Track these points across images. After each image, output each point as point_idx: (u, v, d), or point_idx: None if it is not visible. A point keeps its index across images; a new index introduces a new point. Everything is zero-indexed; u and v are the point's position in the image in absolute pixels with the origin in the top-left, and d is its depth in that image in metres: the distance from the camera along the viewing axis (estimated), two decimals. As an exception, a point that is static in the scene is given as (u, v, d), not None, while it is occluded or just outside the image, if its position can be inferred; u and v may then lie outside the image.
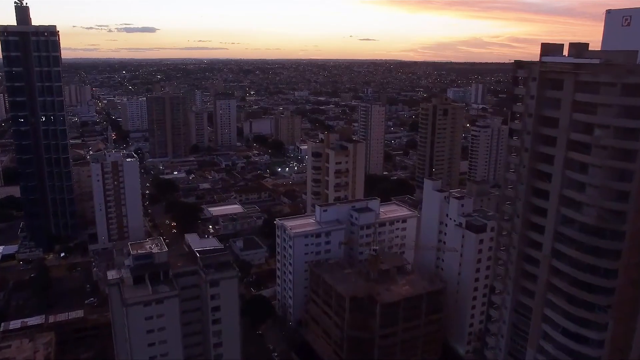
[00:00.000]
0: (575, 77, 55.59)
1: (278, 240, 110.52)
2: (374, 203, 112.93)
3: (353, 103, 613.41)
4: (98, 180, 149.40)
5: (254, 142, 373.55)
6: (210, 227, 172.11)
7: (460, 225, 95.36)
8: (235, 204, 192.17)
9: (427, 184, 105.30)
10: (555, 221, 59.99)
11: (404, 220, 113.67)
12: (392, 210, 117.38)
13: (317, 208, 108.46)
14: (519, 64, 63.92)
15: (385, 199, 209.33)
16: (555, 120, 59.36)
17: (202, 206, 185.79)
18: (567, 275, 59.02)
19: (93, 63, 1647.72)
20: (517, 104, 66.09)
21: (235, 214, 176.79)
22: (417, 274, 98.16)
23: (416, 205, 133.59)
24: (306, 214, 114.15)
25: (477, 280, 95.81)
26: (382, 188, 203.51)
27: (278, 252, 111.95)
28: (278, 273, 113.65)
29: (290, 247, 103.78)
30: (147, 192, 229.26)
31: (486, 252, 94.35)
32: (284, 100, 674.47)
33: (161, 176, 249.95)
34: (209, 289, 73.62)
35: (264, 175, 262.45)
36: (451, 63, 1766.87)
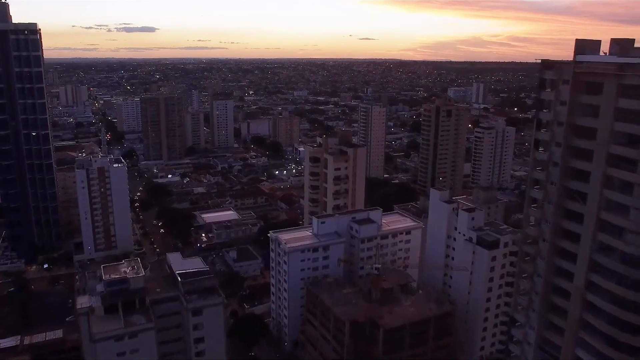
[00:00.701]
0: (618, 79, 46.71)
1: (272, 255, 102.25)
2: (375, 213, 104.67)
3: (353, 103, 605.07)
4: (83, 188, 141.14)
5: (251, 143, 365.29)
6: (203, 235, 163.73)
7: (470, 240, 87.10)
8: (230, 210, 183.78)
9: (434, 194, 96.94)
10: (590, 248, 51.38)
11: (408, 232, 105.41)
12: (395, 221, 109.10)
13: (314, 220, 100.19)
14: (547, 64, 55.32)
15: (386, 205, 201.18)
16: (591, 131, 50.49)
17: (195, 213, 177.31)
18: (604, 312, 50.62)
19: (92, 63, 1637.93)
20: (544, 110, 57.50)
21: (229, 221, 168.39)
22: (423, 293, 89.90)
23: (420, 214, 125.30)
24: (302, 226, 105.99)
25: (488, 300, 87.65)
26: (383, 193, 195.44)
27: (272, 267, 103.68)
28: (272, 289, 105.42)
29: (284, 262, 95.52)
30: (138, 195, 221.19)
31: (499, 270, 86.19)
32: (282, 100, 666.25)
33: (154, 180, 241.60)
34: (191, 318, 65.49)
35: (260, 178, 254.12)
36: (451, 62, 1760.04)
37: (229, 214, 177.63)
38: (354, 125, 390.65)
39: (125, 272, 66.54)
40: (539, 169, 58.06)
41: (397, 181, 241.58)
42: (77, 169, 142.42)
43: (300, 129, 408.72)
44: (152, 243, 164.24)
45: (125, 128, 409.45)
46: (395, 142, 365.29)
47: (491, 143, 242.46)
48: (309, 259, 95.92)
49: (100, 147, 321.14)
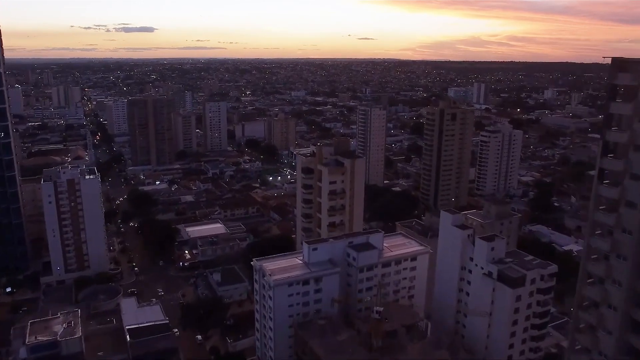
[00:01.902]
0: None
1: (256, 286, 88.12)
2: (376, 237, 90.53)
3: (351, 103, 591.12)
4: (50, 202, 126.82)
5: (246, 146, 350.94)
6: (187, 252, 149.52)
7: (489, 275, 73.14)
8: (218, 222, 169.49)
9: (445, 217, 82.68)
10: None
11: (414, 258, 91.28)
12: (399, 245, 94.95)
13: (305, 247, 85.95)
14: (620, 65, 40.91)
15: (386, 216, 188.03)
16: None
17: (179, 226, 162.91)
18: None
19: (88, 63, 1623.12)
20: (614, 129, 43.30)
21: (215, 236, 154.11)
22: (432, 338, 75.87)
23: (426, 232, 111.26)
24: (291, 252, 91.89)
25: (511, 346, 73.61)
26: (383, 203, 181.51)
27: (256, 300, 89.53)
28: (257, 325, 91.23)
29: (269, 297, 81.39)
30: (119, 203, 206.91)
31: (524, 311, 72.20)
32: (280, 100, 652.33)
33: (140, 187, 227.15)
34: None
35: (253, 185, 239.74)
36: (450, 62, 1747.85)
37: (216, 228, 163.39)
38: (352, 126, 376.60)
39: (57, 331, 52.61)
40: (603, 209, 44.01)
41: (398, 188, 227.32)
42: (44, 181, 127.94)
43: (297, 131, 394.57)
44: (131, 261, 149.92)
45: (116, 130, 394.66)
46: (395, 144, 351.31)
47: (497, 147, 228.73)
48: (298, 293, 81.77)
49: (86, 151, 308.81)
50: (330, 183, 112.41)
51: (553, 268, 74.24)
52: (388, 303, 79.23)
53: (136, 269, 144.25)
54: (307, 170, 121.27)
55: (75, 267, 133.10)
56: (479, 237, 75.89)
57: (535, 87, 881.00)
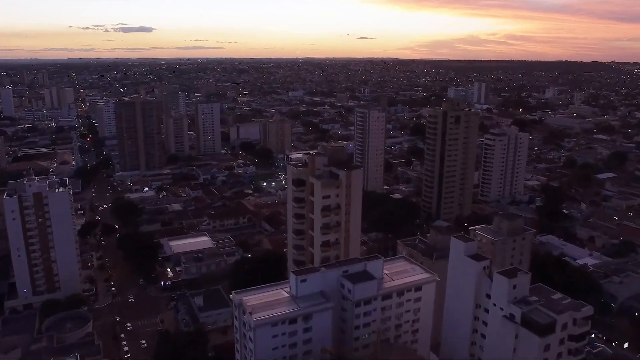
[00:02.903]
0: None
1: (236, 323, 76.10)
2: (375, 265, 78.52)
3: (349, 104, 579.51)
4: (14, 219, 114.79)
5: (240, 149, 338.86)
6: (169, 270, 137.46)
7: (511, 318, 61.31)
8: (204, 235, 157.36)
9: (456, 245, 70.65)
10: None
11: (419, 288, 79.33)
12: (401, 271, 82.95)
13: (293, 278, 73.94)
14: None
15: (386, 226, 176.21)
16: None
17: (162, 240, 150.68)
18: None
19: (86, 63, 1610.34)
20: None
21: (201, 252, 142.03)
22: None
23: (431, 253, 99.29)
24: (276, 284, 79.72)
25: (537, 403, 61.79)
26: (382, 212, 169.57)
27: (236, 339, 77.52)
28: (238, 366, 79.17)
29: (250, 339, 69.42)
30: (101, 210, 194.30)
31: (554, 362, 60.31)
32: (277, 101, 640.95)
33: (126, 195, 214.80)
34: None
35: (246, 192, 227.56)
36: (448, 61, 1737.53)
37: (202, 241, 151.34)
38: (350, 127, 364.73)
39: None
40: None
41: (398, 194, 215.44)
42: (7, 195, 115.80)
43: (293, 132, 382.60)
44: (109, 279, 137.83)
45: (107, 133, 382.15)
46: (394, 147, 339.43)
47: (503, 150, 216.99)
48: (284, 334, 69.83)
49: (72, 156, 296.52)
50: (324, 198, 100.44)
51: (588, 310, 62.54)
52: (389, 349, 67.28)
53: (113, 288, 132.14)
54: (299, 182, 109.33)
55: (44, 289, 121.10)
56: (498, 273, 63.80)
57: (536, 86, 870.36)
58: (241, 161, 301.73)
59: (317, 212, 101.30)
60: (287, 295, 74.41)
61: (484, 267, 66.73)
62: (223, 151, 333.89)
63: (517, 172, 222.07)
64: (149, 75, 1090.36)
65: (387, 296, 76.58)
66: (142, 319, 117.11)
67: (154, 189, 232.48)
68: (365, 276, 75.83)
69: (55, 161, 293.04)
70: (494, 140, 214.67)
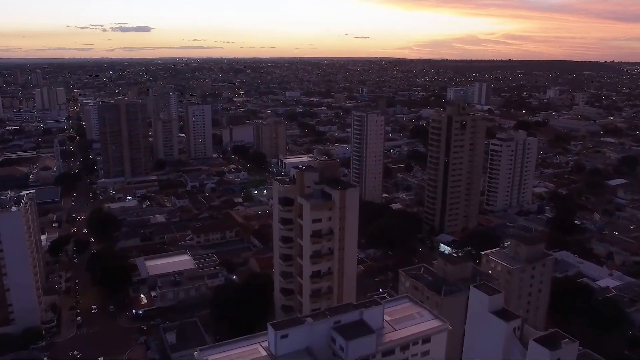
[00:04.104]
0: None
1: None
2: (373, 312, 63.84)
3: (347, 104, 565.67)
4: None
5: (233, 153, 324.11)
6: (143, 296, 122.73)
7: (552, 400, 47.22)
8: (186, 253, 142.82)
9: (477, 297, 56.09)
10: None
11: (427, 339, 64.84)
12: (405, 317, 68.34)
13: (271, 333, 59.34)
14: None
15: (385, 241, 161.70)
16: None
17: (138, 260, 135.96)
18: None
19: (82, 63, 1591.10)
20: None
21: (180, 273, 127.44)
22: None
23: (439, 287, 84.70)
24: (252, 336, 65.43)
25: None
26: (381, 225, 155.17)
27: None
28: None
29: (217, 414, 54.99)
30: (79, 220, 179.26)
31: None
32: (273, 101, 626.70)
33: (106, 205, 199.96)
34: None
35: (235, 200, 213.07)
36: (447, 60, 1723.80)
37: (182, 261, 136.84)
38: (348, 129, 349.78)
39: None
40: None
41: (398, 204, 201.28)
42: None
43: (289, 134, 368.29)
44: (75, 307, 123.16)
45: (95, 136, 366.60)
46: (394, 150, 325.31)
47: (510, 157, 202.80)
48: (259, 406, 55.29)
49: (59, 160, 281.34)
50: (314, 221, 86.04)
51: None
52: None
53: (79, 318, 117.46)
54: (286, 201, 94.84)
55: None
56: (536, 341, 49.27)
57: (536, 86, 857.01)
58: (233, 166, 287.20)
59: (306, 238, 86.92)
60: (264, 354, 59.80)
61: (515, 329, 52.51)
62: (215, 155, 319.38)
63: (525, 180, 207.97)
64: (145, 75, 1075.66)
65: (388, 352, 62.09)
66: (108, 356, 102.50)
67: (138, 197, 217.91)
68: (362, 329, 61.25)
69: (37, 166, 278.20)
70: (501, 145, 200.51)
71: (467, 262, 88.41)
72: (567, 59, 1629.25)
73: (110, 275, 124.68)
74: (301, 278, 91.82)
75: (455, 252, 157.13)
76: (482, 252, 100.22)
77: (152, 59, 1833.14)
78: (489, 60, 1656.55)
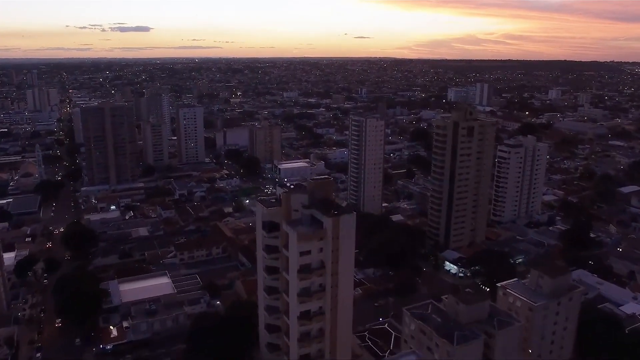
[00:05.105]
0: None
1: None
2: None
3: (346, 105, 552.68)
4: None
5: (226, 157, 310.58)
6: (112, 328, 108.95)
7: None
8: (165, 275, 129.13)
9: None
10: None
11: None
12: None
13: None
14: None
15: (385, 260, 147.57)
16: None
17: (110, 284, 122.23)
18: None
19: (80, 63, 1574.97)
20: None
21: (157, 300, 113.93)
22: None
23: (451, 333, 71.16)
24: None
25: None
26: (381, 241, 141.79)
27: None
28: None
29: None
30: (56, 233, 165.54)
31: None
32: (271, 102, 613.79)
33: (85, 217, 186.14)
34: None
35: (225, 210, 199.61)
36: (446, 60, 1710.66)
37: (160, 285, 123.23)
38: (346, 132, 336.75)
39: None
40: None
41: (399, 215, 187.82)
42: None
43: (286, 137, 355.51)
44: (37, 340, 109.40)
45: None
46: (394, 154, 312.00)
47: (519, 164, 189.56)
48: None
49: (40, 166, 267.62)
50: (302, 254, 72.59)
51: None
52: None
53: (39, 354, 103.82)
54: (271, 226, 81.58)
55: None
56: None
57: (537, 87, 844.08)
58: (225, 172, 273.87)
59: (293, 273, 73.46)
60: None
61: None
62: (207, 159, 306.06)
63: (534, 189, 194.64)
64: (142, 75, 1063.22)
65: None
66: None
67: (122, 206, 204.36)
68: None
69: (18, 172, 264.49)
70: (509, 152, 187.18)
71: (484, 300, 74.94)
72: (567, 59, 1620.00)
73: (78, 302, 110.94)
74: (288, 317, 78.34)
75: (463, 272, 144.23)
76: (499, 284, 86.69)
77: (151, 59, 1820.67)
78: (489, 60, 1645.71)
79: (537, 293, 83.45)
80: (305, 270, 73.25)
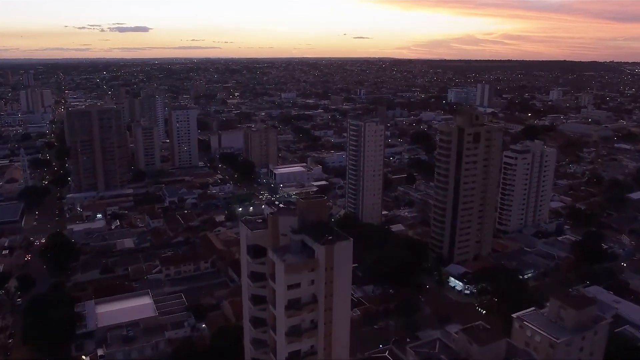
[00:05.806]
0: None
1: None
2: None
3: (344, 106, 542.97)
4: None
5: (220, 161, 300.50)
6: (85, 358, 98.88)
7: None
8: (147, 295, 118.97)
9: None
10: None
11: None
12: None
13: None
14: None
15: (386, 276, 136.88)
16: None
17: (86, 305, 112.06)
18: None
19: (77, 63, 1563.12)
20: None
21: (135, 325, 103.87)
22: None
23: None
24: None
25: None
26: (381, 256, 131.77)
27: None
28: None
29: None
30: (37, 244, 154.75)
31: None
32: (268, 103, 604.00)
33: (68, 227, 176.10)
34: None
35: (217, 219, 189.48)
36: (446, 61, 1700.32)
37: (141, 306, 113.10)
38: (344, 134, 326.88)
39: None
40: None
41: (400, 225, 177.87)
42: None
43: (283, 140, 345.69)
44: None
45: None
46: (394, 157, 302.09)
47: (526, 171, 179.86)
48: None
49: (25, 172, 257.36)
50: (290, 287, 62.55)
51: None
52: None
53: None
54: (256, 251, 71.44)
55: None
56: None
57: (537, 87, 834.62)
58: (219, 176, 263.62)
59: (280, 309, 63.40)
60: None
61: None
62: (201, 163, 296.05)
63: (542, 196, 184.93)
64: (140, 75, 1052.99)
65: None
66: None
67: (109, 215, 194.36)
68: None
69: (3, 178, 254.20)
70: (516, 158, 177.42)
71: (499, 340, 65.05)
72: (567, 59, 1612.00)
73: (49, 327, 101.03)
74: (275, 357, 68.34)
75: (469, 289, 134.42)
76: (514, 315, 76.81)
77: (150, 60, 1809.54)
78: (488, 60, 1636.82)
79: (558, 326, 73.67)
80: (294, 305, 63.21)
